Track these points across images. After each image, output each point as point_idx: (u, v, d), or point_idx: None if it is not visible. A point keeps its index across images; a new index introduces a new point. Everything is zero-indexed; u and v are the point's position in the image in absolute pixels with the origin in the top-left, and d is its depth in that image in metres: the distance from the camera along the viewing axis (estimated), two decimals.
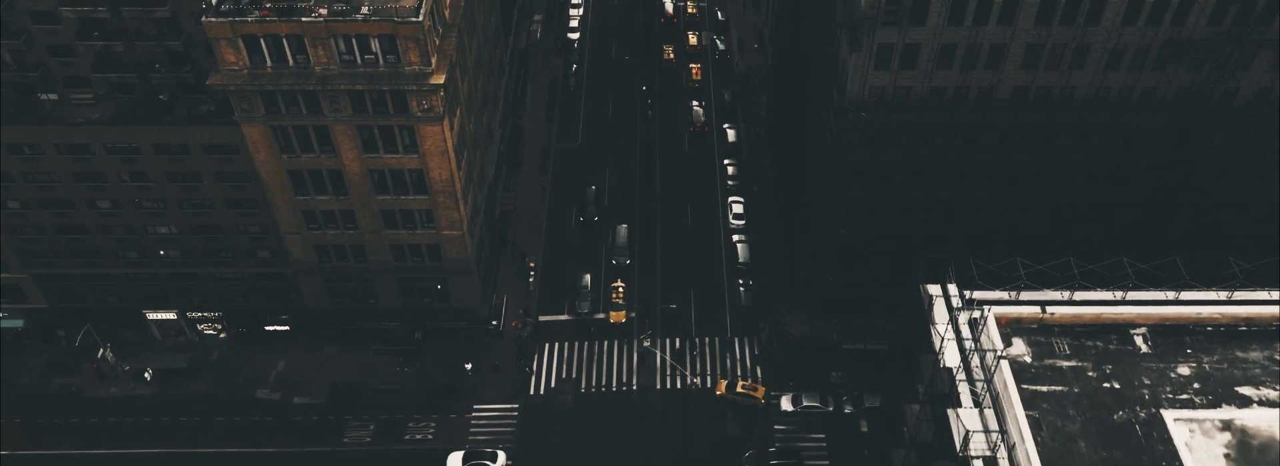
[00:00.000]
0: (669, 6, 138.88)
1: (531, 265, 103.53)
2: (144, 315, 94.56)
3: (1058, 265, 67.19)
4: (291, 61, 74.67)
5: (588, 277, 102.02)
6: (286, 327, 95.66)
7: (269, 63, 74.64)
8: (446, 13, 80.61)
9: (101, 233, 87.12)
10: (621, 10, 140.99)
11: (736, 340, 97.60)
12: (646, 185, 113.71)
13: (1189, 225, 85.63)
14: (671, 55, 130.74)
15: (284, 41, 73.45)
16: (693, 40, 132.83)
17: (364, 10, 73.20)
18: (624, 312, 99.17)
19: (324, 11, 72.55)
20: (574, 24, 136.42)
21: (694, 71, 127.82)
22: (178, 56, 79.26)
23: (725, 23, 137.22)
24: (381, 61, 74.86)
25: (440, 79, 75.38)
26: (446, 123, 79.29)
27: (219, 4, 72.78)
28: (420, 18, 72.37)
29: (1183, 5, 71.08)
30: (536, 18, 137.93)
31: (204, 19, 71.93)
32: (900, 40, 73.02)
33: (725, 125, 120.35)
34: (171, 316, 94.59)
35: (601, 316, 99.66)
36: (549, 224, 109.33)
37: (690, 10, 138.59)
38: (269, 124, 78.04)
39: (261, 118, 77.54)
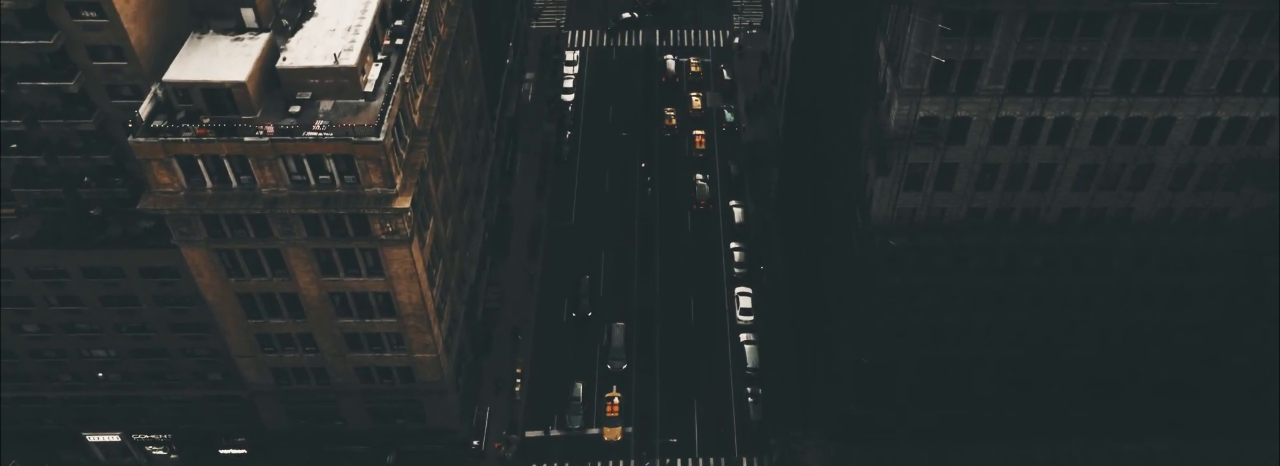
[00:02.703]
0: (671, 65, 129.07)
1: (518, 372, 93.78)
2: (85, 438, 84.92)
3: None
4: (235, 183, 65.06)
5: (580, 386, 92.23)
6: (243, 451, 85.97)
7: (209, 184, 65.06)
8: (416, 118, 70.94)
9: (31, 357, 77.54)
10: (620, 68, 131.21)
11: (744, 461, 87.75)
12: (645, 273, 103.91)
13: (1256, 352, 75.78)
14: (673, 121, 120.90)
15: (226, 162, 63.83)
16: (696, 103, 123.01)
17: (316, 126, 63.56)
18: (620, 428, 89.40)
19: (270, 129, 62.92)
20: (568, 84, 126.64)
21: (697, 140, 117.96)
22: (109, 169, 69.63)
23: (731, 83, 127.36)
24: (338, 182, 65.24)
25: (406, 202, 65.70)
26: (415, 243, 69.63)
27: (149, 120, 63.17)
28: (381, 137, 62.70)
29: (1263, 123, 61.42)
30: (528, 76, 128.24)
31: (130, 139, 62.39)
32: (935, 161, 63.35)
33: (732, 203, 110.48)
34: (115, 439, 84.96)
35: (595, 432, 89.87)
36: (538, 320, 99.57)
37: (693, 69, 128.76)
38: (212, 247, 68.44)
39: (203, 241, 67.95)
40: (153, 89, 63.93)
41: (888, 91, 61.88)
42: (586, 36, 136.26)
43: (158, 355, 77.68)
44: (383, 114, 64.04)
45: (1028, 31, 56.44)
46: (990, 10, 54.85)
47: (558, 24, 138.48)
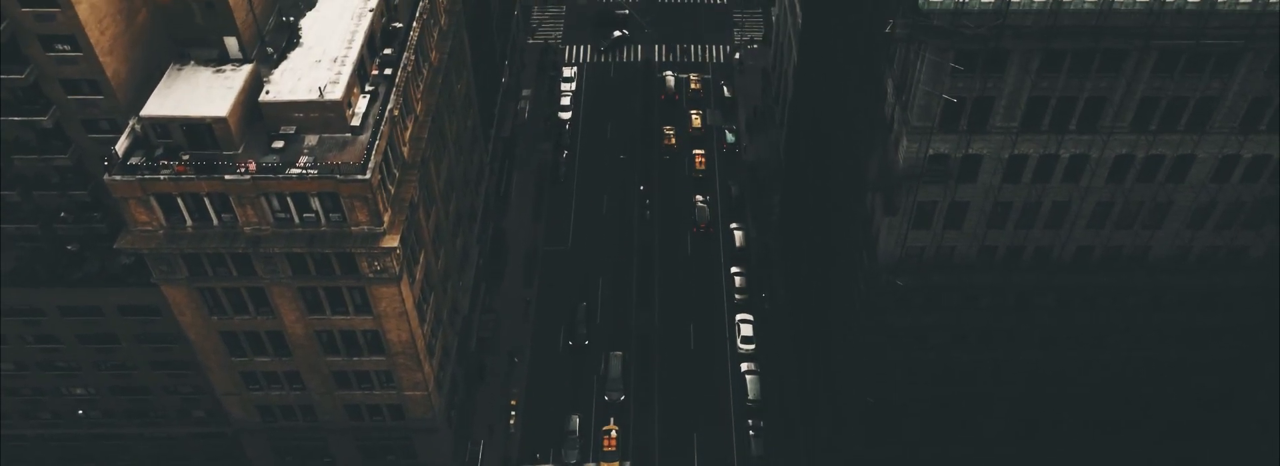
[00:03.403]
0: (670, 81, 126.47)
1: (513, 404, 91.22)
2: None
3: None
4: (216, 221, 62.53)
5: (576, 420, 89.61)
6: None
7: (189, 222, 62.53)
8: (405, 150, 68.40)
9: (9, 394, 74.97)
10: (618, 84, 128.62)
11: None
12: (644, 299, 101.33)
13: (1272, 391, 73.13)
14: (673, 140, 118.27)
15: (206, 200, 61.29)
16: (696, 121, 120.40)
17: (301, 162, 61.02)
18: (617, 464, 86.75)
19: (252, 166, 60.37)
20: (566, 102, 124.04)
21: (697, 160, 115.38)
22: (87, 205, 67.07)
23: (732, 99, 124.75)
24: (323, 220, 62.71)
25: (394, 240, 63.15)
26: (404, 280, 67.07)
27: (126, 156, 60.63)
28: (368, 174, 60.16)
29: None
30: (525, 93, 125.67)
31: (106, 178, 59.85)
32: (945, 199, 60.76)
33: (733, 225, 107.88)
34: None
35: None
36: (534, 349, 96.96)
37: (693, 85, 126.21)
38: (194, 286, 65.91)
39: (184, 280, 65.44)
40: (131, 123, 61.44)
41: (895, 127, 59.34)
42: (584, 51, 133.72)
43: (139, 393, 75.23)
44: (370, 149, 61.52)
45: (1043, 68, 53.91)
46: (1003, 48, 52.29)
47: (555, 38, 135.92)
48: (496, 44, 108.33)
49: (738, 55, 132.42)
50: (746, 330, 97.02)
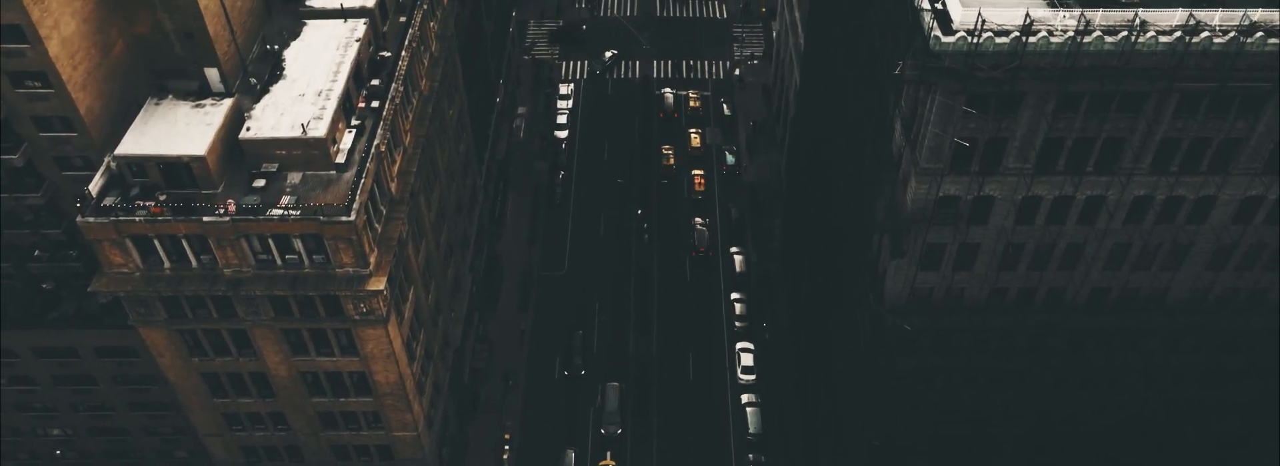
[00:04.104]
0: (669, 98, 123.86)
1: (506, 438, 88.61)
2: None
3: None
4: (195, 263, 59.92)
5: (572, 455, 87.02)
6: None
7: (167, 264, 59.93)
8: (393, 186, 65.83)
9: None
10: (616, 102, 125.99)
11: None
12: (642, 326, 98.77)
13: None
14: (672, 160, 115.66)
15: (184, 242, 58.70)
16: (696, 141, 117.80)
17: (283, 203, 58.42)
18: None
19: (232, 207, 57.76)
20: (562, 120, 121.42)
21: (697, 181, 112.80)
22: (62, 243, 64.52)
23: (732, 118, 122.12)
24: (307, 262, 60.12)
25: (380, 283, 60.58)
26: (392, 321, 64.50)
27: (100, 196, 58.06)
28: (352, 215, 57.56)
29: None
30: (521, 111, 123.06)
31: (79, 219, 57.25)
32: (956, 241, 58.21)
33: (733, 249, 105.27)
34: None
35: None
36: (529, 378, 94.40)
37: (692, 103, 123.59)
38: (173, 328, 63.36)
39: (163, 321, 62.89)
40: (106, 161, 58.91)
41: (903, 167, 56.77)
42: (582, 68, 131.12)
43: (118, 434, 72.77)
44: (355, 188, 58.94)
45: (1059, 109, 51.34)
46: (1018, 90, 49.73)
47: (552, 54, 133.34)
48: (491, 64, 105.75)
49: (738, 71, 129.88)
50: (747, 359, 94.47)
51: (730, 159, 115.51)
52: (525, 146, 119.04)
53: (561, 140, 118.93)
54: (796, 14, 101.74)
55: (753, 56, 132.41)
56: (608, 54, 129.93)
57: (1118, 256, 59.83)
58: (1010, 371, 66.94)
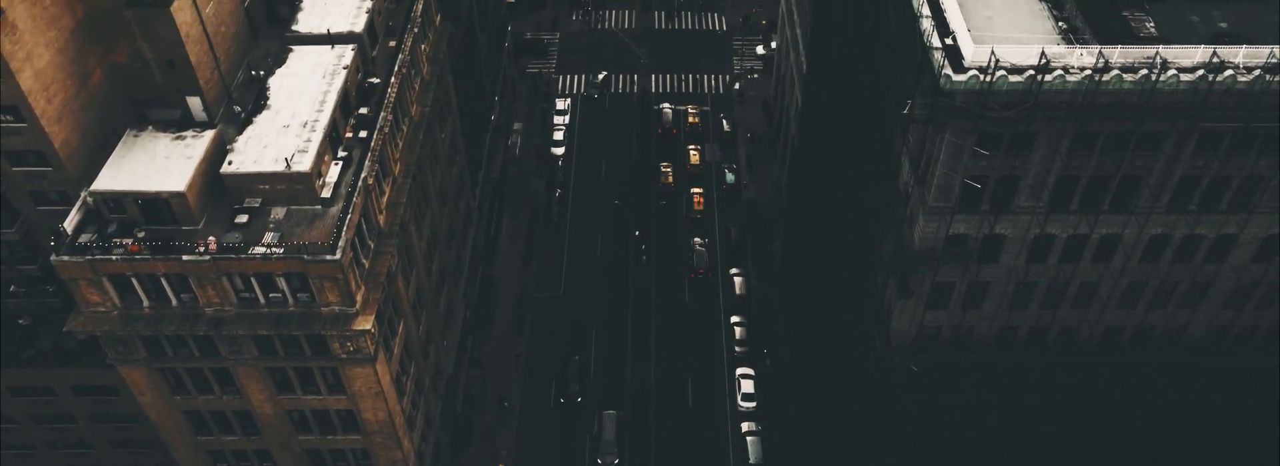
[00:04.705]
0: (668, 114, 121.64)
1: None
2: None
3: None
4: (175, 301, 57.69)
5: None
6: None
7: (146, 303, 57.71)
8: (381, 219, 63.62)
9: None
10: (614, 117, 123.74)
11: None
12: (639, 350, 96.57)
13: None
14: (671, 178, 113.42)
15: (163, 280, 56.49)
16: (695, 158, 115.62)
17: (266, 240, 56.21)
18: None
19: (212, 245, 55.55)
20: (559, 136, 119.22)
21: (696, 200, 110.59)
22: (38, 278, 62.34)
23: (731, 134, 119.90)
24: (291, 301, 57.88)
25: (367, 322, 58.38)
26: (381, 358, 62.29)
27: (76, 233, 55.85)
28: (338, 254, 55.34)
29: None
30: (516, 127, 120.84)
31: (53, 258, 54.98)
32: (965, 280, 56.04)
33: (732, 271, 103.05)
34: None
35: None
36: (524, 405, 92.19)
37: (691, 119, 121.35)
38: (153, 367, 61.15)
39: (143, 360, 60.66)
40: (82, 196, 56.68)
41: (911, 204, 54.56)
42: (578, 82, 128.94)
43: None
44: (341, 224, 56.72)
45: (1074, 147, 49.18)
46: (1031, 130, 47.58)
47: (549, 67, 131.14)
48: (486, 81, 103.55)
49: (737, 85, 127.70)
50: (747, 386, 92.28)
51: (730, 177, 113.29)
52: (521, 163, 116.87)
53: (558, 157, 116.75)
54: (798, 31, 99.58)
55: (753, 70, 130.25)
56: (599, 76, 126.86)
57: (1133, 295, 57.70)
58: (1020, 409, 64.83)
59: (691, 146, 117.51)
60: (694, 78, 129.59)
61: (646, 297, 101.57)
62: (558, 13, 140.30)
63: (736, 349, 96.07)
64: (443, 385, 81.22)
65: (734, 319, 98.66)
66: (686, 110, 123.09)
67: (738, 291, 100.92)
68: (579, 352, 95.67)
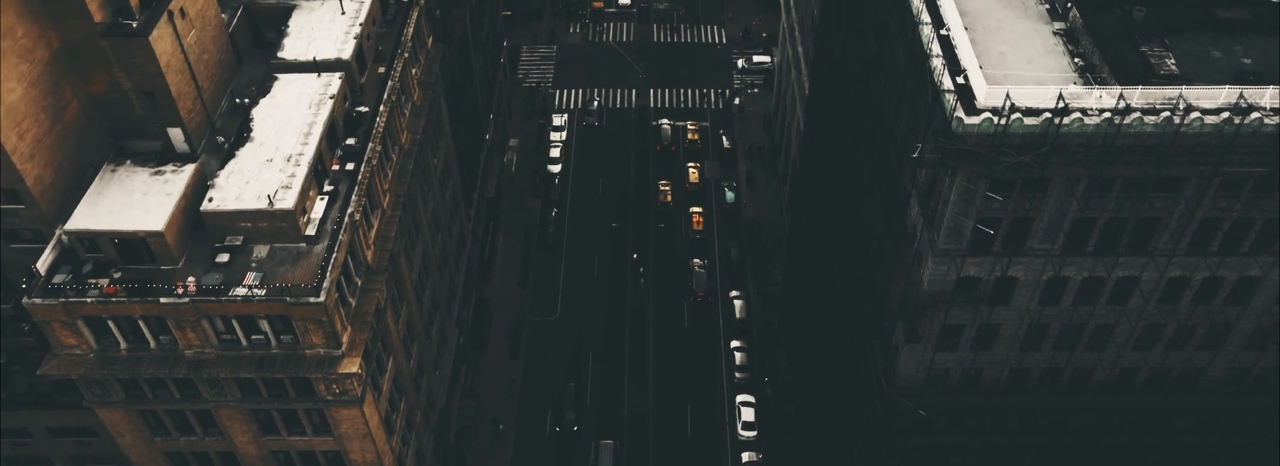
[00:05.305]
0: (666, 130, 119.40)
1: None
2: None
3: None
4: (153, 343, 55.48)
5: None
6: None
7: (123, 345, 55.50)
8: (369, 254, 61.37)
9: None
10: (612, 133, 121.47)
11: None
12: (637, 377, 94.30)
13: None
14: (669, 197, 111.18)
15: (141, 322, 54.27)
16: (694, 176, 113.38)
17: (248, 279, 53.97)
18: None
19: (192, 286, 53.33)
20: (556, 153, 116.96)
21: (695, 220, 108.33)
22: (12, 317, 60.01)
23: (731, 151, 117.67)
24: (274, 342, 55.66)
25: (354, 364, 56.15)
26: (369, 399, 60.07)
27: (50, 273, 53.64)
28: (322, 296, 53.09)
29: None
30: (512, 143, 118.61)
31: (26, 300, 52.82)
32: (974, 322, 53.83)
33: (732, 294, 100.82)
34: None
35: None
36: (519, 433, 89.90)
37: (691, 135, 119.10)
38: (132, 408, 58.93)
39: (121, 402, 58.45)
40: (57, 234, 54.49)
41: (919, 244, 52.38)
42: (576, 96, 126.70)
43: None
44: (326, 264, 54.49)
45: (1090, 190, 47.01)
46: (1046, 174, 45.41)
47: (545, 82, 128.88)
48: (481, 101, 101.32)
49: (738, 100, 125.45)
50: (748, 414, 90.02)
51: (730, 195, 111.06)
52: (517, 181, 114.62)
53: (554, 175, 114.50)
54: (800, 49, 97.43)
55: (753, 85, 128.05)
56: (593, 103, 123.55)
57: (1150, 337, 55.53)
58: (1030, 451, 62.66)
59: (691, 164, 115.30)
60: (696, 92, 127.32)
61: (645, 321, 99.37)
62: (555, 25, 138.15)
63: (737, 375, 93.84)
64: (434, 417, 78.99)
65: (734, 343, 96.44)
66: (686, 126, 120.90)
67: (738, 315, 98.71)
68: (575, 378, 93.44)
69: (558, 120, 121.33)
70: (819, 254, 77.85)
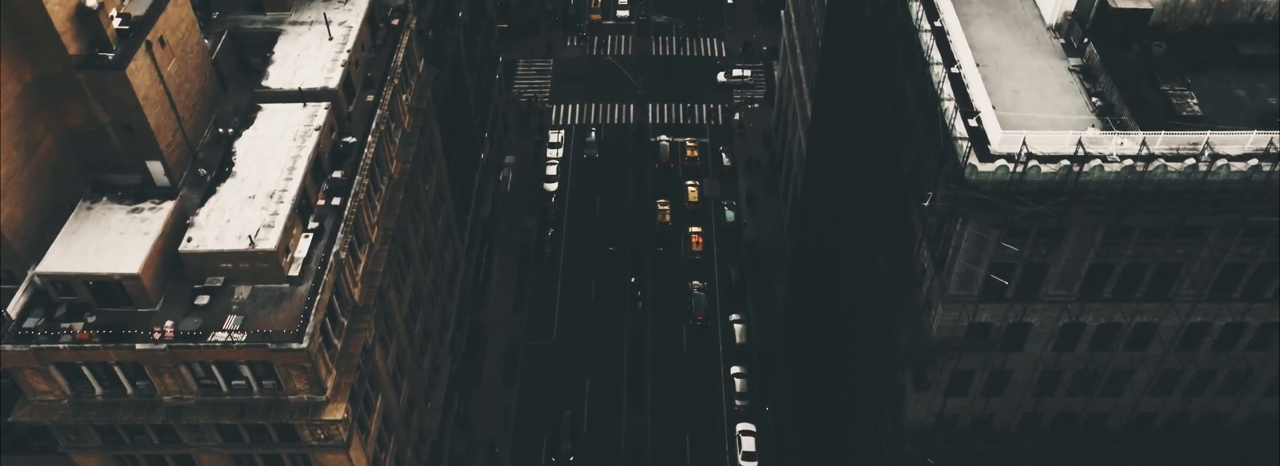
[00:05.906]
0: (665, 147, 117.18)
1: None
2: None
3: None
4: (130, 389, 53.26)
5: None
6: None
7: (98, 391, 53.27)
8: (356, 292, 59.13)
9: None
10: (610, 149, 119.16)
11: None
12: (635, 404, 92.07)
13: None
14: (668, 216, 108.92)
15: (117, 368, 52.04)
16: (693, 195, 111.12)
17: (228, 323, 51.75)
18: None
19: (170, 331, 51.08)
20: (552, 171, 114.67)
21: (694, 240, 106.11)
22: None
23: (731, 168, 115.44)
24: (256, 388, 53.42)
25: (339, 411, 53.94)
26: (356, 443, 57.85)
27: (21, 317, 51.42)
28: (305, 342, 50.86)
29: None
30: (507, 160, 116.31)
31: None
32: (986, 368, 51.63)
33: (732, 318, 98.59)
34: None
35: None
36: (513, 463, 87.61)
37: (690, 152, 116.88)
38: (109, 454, 56.71)
39: (98, 448, 56.23)
40: (29, 275, 52.21)
41: (928, 288, 50.17)
42: (573, 112, 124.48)
43: None
44: (309, 307, 52.26)
45: (1108, 236, 44.82)
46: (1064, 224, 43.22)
47: (542, 97, 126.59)
48: (475, 121, 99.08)
49: (737, 116, 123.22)
50: (748, 444, 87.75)
51: (730, 215, 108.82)
52: (512, 200, 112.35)
53: (551, 194, 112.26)
54: (801, 67, 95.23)
55: (753, 100, 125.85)
56: (590, 137, 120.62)
57: (1168, 382, 53.37)
58: None
59: (690, 182, 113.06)
60: (695, 107, 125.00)
61: (643, 345, 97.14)
62: (552, 38, 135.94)
63: (737, 402, 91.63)
64: (427, 452, 76.75)
65: (734, 369, 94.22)
66: (685, 143, 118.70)
67: (738, 339, 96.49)
68: (572, 405, 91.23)
69: (554, 137, 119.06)
70: (822, 279, 75.66)
